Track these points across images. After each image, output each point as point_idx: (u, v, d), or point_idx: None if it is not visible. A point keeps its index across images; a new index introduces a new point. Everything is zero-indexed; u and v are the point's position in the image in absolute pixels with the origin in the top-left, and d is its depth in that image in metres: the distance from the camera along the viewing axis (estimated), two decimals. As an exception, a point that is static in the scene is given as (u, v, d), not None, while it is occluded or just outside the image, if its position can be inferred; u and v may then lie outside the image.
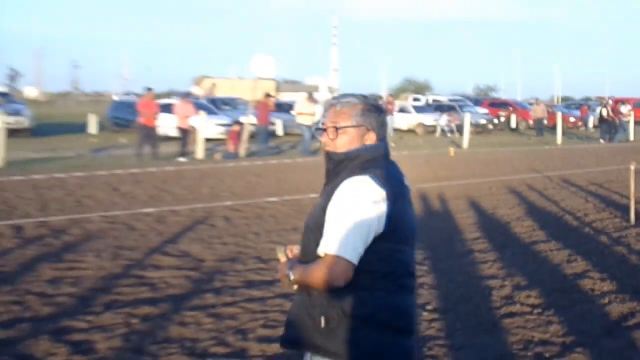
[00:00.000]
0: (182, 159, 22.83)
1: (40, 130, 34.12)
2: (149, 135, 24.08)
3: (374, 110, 3.08)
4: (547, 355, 6.06)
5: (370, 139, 3.02)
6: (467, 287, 8.30)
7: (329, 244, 2.76)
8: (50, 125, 37.95)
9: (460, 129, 35.28)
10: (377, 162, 2.97)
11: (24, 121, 32.36)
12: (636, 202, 12.87)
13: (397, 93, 61.71)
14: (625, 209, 13.17)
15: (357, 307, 2.83)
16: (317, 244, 2.84)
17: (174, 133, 25.77)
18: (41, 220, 11.95)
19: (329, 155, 3.03)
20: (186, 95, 31.09)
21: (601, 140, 36.89)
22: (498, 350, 6.28)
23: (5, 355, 5.90)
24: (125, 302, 7.46)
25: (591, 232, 11.66)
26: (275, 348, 5.88)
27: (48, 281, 8.18)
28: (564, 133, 36.76)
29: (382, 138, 3.08)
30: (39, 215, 12.45)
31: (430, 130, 40.37)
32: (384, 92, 65.13)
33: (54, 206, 13.60)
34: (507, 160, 24.92)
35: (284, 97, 42.03)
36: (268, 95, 28.83)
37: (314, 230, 2.92)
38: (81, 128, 36.10)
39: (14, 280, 8.23)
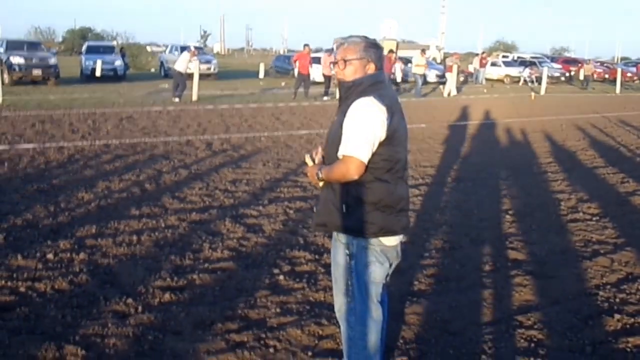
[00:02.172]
0: (325, 98, 22.89)
1: (223, 75, 35.10)
2: (303, 79, 24.30)
3: (373, 46, 3.11)
4: (602, 251, 5.89)
5: (371, 68, 3.06)
6: (542, 198, 8.13)
7: (346, 148, 2.89)
8: (231, 72, 38.90)
9: (539, 80, 33.89)
10: (377, 87, 3.03)
11: (212, 68, 33.15)
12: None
13: (490, 51, 59.64)
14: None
15: (369, 195, 2.99)
16: (337, 150, 2.95)
17: (320, 78, 25.71)
18: (224, 137, 12.33)
19: (341, 83, 3.10)
20: (329, 50, 31.02)
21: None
22: (564, 246, 6.14)
23: (201, 232, 6.17)
24: (284, 198, 7.65)
25: (643, 160, 11.09)
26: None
27: (230, 181, 8.48)
28: (621, 85, 34.87)
29: (380, 68, 3.11)
30: (222, 134, 12.84)
31: (516, 80, 39.02)
32: (479, 50, 63.09)
33: (233, 128, 13.97)
34: (576, 105, 23.86)
35: (403, 53, 41.13)
36: (391, 51, 28.50)
37: (335, 140, 3.01)
38: (253, 75, 37.11)
39: (207, 179, 8.57)
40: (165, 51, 37.27)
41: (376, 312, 3.14)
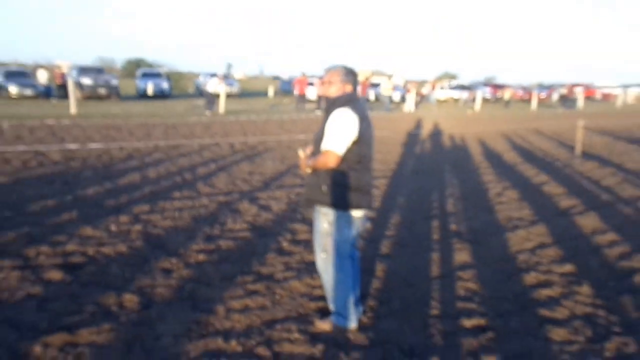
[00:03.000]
0: (318, 112, 22.82)
1: (243, 95, 34.84)
2: (301, 99, 24.33)
3: (350, 73, 3.25)
4: (520, 225, 5.87)
5: (348, 89, 3.22)
6: (476, 186, 8.11)
7: (327, 144, 3.10)
8: (248, 92, 38.59)
9: (475, 100, 33.87)
10: (352, 102, 3.17)
11: (234, 89, 32.96)
12: (580, 144, 12.16)
13: (438, 79, 59.81)
14: (571, 148, 12.43)
15: (343, 179, 3.16)
16: (321, 146, 3.15)
17: (314, 97, 25.74)
18: (243, 140, 12.25)
19: (326, 98, 3.24)
20: (322, 77, 31.06)
21: (562, 109, 34.97)
22: (493, 221, 6.11)
23: (226, 210, 6.15)
24: (287, 186, 7.61)
25: (551, 160, 11.07)
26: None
27: (247, 173, 8.43)
28: (537, 104, 34.92)
29: (355, 88, 3.26)
30: (241, 138, 12.77)
31: (456, 100, 39.04)
32: (431, 78, 63.05)
33: (250, 133, 13.89)
34: (502, 119, 23.85)
35: (375, 80, 41.21)
36: (366, 79, 28.60)
37: (320, 139, 3.17)
38: (264, 94, 36.76)
39: (229, 171, 8.53)
40: (199, 77, 36.94)
41: (347, 264, 3.30)
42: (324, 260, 3.34)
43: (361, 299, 3.67)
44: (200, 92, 31.63)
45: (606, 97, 46.68)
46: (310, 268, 4.30)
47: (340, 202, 3.19)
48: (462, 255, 4.86)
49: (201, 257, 4.55)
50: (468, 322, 3.51)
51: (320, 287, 3.84)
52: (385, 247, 5.06)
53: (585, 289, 4.07)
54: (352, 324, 3.36)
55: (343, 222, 3.23)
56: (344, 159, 3.12)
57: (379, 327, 3.42)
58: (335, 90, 3.22)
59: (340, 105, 3.13)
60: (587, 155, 11.57)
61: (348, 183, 3.16)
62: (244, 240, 5.05)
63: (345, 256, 3.29)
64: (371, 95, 33.22)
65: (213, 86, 21.43)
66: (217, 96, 21.25)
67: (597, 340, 3.29)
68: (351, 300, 3.33)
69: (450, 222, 6.03)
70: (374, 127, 3.31)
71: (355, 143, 3.11)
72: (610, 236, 5.49)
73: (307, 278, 4.12)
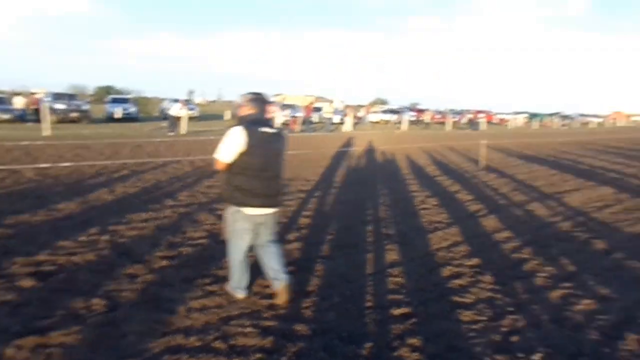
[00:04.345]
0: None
1: (202, 117, 34.11)
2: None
3: (257, 99, 3.42)
4: (439, 228, 6.05)
5: (252, 111, 3.39)
6: (403, 195, 8.29)
7: (215, 152, 3.34)
8: (207, 115, 37.85)
9: (401, 121, 34.81)
10: (253, 121, 3.34)
11: (195, 113, 32.16)
12: (482, 159, 12.72)
13: (372, 104, 61.21)
14: (477, 162, 13.01)
15: (234, 181, 3.37)
16: None
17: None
18: (203, 158, 11.94)
19: (237, 117, 3.45)
20: (272, 102, 30.96)
21: (470, 129, 36.60)
22: (417, 225, 6.26)
23: (187, 220, 5.96)
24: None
25: (462, 172, 11.53)
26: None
27: (206, 187, 8.22)
28: (452, 126, 36.35)
29: (260, 111, 3.41)
30: (201, 155, 12.47)
31: (386, 121, 39.94)
32: (365, 103, 64.39)
33: (208, 151, 13.54)
34: (423, 138, 24.63)
35: (318, 104, 41.59)
36: (310, 103, 28.78)
37: None
38: (221, 117, 36.14)
39: (191, 185, 8.28)
40: (164, 102, 35.86)
41: (240, 250, 3.55)
42: (228, 246, 3.61)
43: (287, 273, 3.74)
44: (164, 116, 30.66)
45: (502, 122, 49.29)
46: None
47: (232, 200, 3.41)
48: (392, 254, 4.94)
49: (164, 262, 4.39)
50: (396, 311, 3.57)
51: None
52: (325, 249, 5.07)
53: (487, 278, 4.25)
54: (239, 295, 3.66)
55: (236, 217, 3.43)
56: (234, 165, 3.32)
57: (321, 320, 3.41)
58: (243, 111, 3.41)
59: (239, 124, 3.30)
60: (489, 168, 12.14)
61: (236, 185, 3.35)
62: (203, 247, 4.92)
63: (239, 245, 3.52)
64: (315, 117, 33.45)
65: (176, 110, 20.88)
66: (179, 119, 20.71)
67: (496, 319, 3.44)
68: (243, 278, 3.64)
69: (382, 226, 6.13)
70: (282, 143, 3.48)
71: (243, 154, 3.27)
72: (506, 233, 5.78)
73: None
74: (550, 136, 29.20)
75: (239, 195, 3.37)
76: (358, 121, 36.27)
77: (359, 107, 50.79)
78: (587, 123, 55.83)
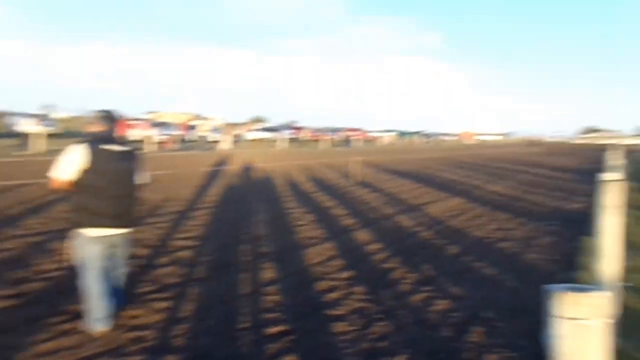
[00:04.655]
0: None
1: (66, 134, 30.47)
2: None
3: (105, 116, 3.37)
4: (315, 243, 6.21)
5: (98, 128, 3.34)
6: (280, 213, 8.39)
7: (51, 170, 3.23)
8: (71, 132, 34.03)
9: (280, 140, 35.38)
10: (99, 139, 3.28)
11: (53, 129, 28.17)
12: (355, 175, 13.53)
13: (250, 122, 61.42)
14: (350, 177, 13.76)
15: (80, 201, 3.24)
16: None
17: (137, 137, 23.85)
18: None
19: (85, 134, 3.42)
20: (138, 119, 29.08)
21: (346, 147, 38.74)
22: (294, 241, 6.36)
23: (37, 250, 5.24)
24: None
25: (337, 188, 12.09)
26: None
27: (63, 212, 7.37)
28: (329, 143, 38.04)
29: (108, 129, 3.35)
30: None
31: (265, 140, 40.22)
32: (244, 121, 64.17)
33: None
34: (301, 155, 25.35)
35: (194, 122, 40.37)
36: (188, 121, 27.78)
37: None
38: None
39: (44, 211, 7.33)
40: (10, 117, 31.33)
41: (91, 276, 3.29)
42: (79, 271, 3.36)
43: (119, 304, 3.56)
44: (10, 132, 26.84)
45: (374, 139, 53.21)
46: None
47: (79, 221, 3.26)
48: (268, 272, 4.94)
49: (6, 303, 3.79)
50: (273, 329, 3.56)
51: (134, 317, 3.52)
52: (201, 271, 4.88)
53: (359, 289, 4.49)
54: (98, 329, 3.32)
55: (84, 239, 3.26)
56: (78, 184, 3.19)
57: (194, 346, 3.26)
58: (91, 128, 3.36)
59: (83, 141, 3.23)
60: (361, 183, 12.94)
61: (82, 205, 3.22)
62: (56, 280, 4.37)
63: (91, 269, 3.28)
64: (192, 135, 32.43)
65: (26, 126, 18.45)
66: (29, 136, 18.32)
67: (366, 327, 3.65)
68: (100, 309, 3.31)
69: (258, 244, 6.11)
70: (133, 161, 3.41)
71: (86, 172, 3.16)
72: (377, 245, 6.19)
73: (120, 311, 3.73)
74: (414, 153, 32.29)
75: (85, 216, 3.22)
76: (236, 139, 36.00)
77: (237, 125, 50.52)
78: (444, 141, 63.07)
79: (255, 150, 27.75)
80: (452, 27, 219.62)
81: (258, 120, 73.79)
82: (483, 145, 61.74)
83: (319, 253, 5.74)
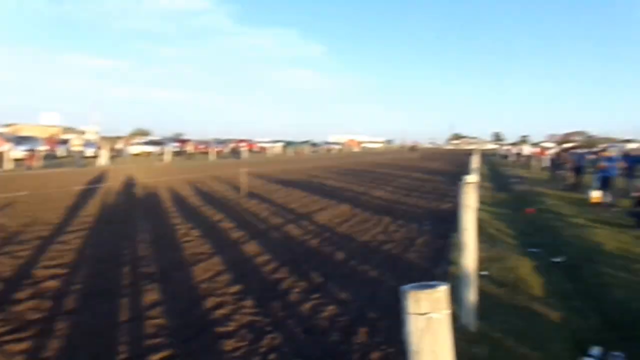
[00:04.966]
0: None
1: None
2: None
3: None
4: (203, 259, 6.00)
5: None
6: (166, 230, 7.95)
7: None
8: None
9: (165, 153, 33.64)
10: None
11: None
12: (244, 187, 13.42)
13: (132, 135, 57.34)
14: (239, 189, 13.59)
15: None
16: None
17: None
18: None
19: None
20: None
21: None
22: (180, 258, 6.07)
23: None
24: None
25: (226, 201, 11.85)
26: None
27: None
28: (215, 156, 37.21)
29: None
30: None
31: (148, 153, 37.95)
32: (125, 134, 59.80)
33: None
34: (188, 168, 24.42)
35: (65, 136, 36.44)
36: (54, 134, 25.00)
37: None
38: None
39: None
40: None
41: None
42: None
43: None
44: None
45: (262, 150, 53.36)
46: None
47: None
48: (151, 294, 4.64)
49: None
50: (155, 357, 3.34)
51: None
52: (71, 302, 4.40)
53: (249, 303, 4.43)
54: None
55: None
56: None
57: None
58: None
59: None
60: (250, 194, 12.86)
61: None
62: None
63: None
64: (62, 151, 29.25)
65: None
66: None
67: (256, 342, 3.61)
68: None
69: (141, 265, 5.71)
70: None
71: None
72: (266, 257, 6.18)
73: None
74: (302, 162, 33.02)
75: None
76: (116, 154, 33.39)
77: (117, 138, 46.90)
78: (330, 150, 65.54)
79: (137, 165, 25.99)
80: (334, 38, 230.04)
81: (140, 133, 69.33)
82: (367, 152, 65.56)
83: (206, 269, 5.55)
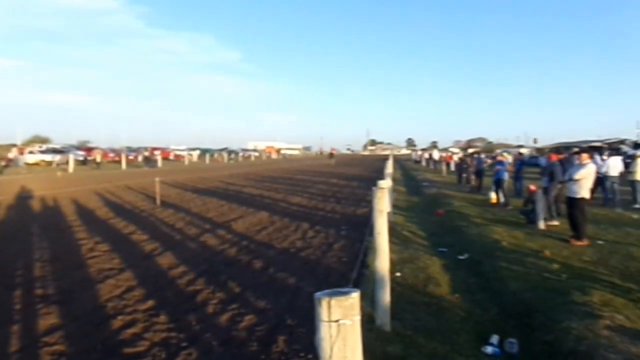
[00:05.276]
0: None
1: None
2: None
3: None
4: (111, 275, 5.62)
5: None
6: (67, 246, 7.31)
7: None
8: None
9: (67, 162, 30.90)
10: None
11: None
12: (159, 196, 12.82)
13: (27, 143, 51.94)
14: (154, 199, 12.94)
15: None
16: None
17: None
18: None
19: None
20: None
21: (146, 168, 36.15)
22: (85, 276, 5.62)
23: None
24: None
25: (139, 211, 11.21)
26: None
27: None
28: (127, 164, 35.06)
29: None
30: None
31: (49, 163, 34.63)
32: (19, 142, 54.03)
33: None
34: (95, 179, 22.71)
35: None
36: None
37: None
38: None
39: None
40: None
41: None
42: None
43: None
44: None
45: (178, 157, 51.30)
46: None
47: None
48: (49, 318, 4.23)
49: None
50: (54, 386, 3.04)
51: None
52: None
53: (162, 318, 4.21)
54: None
55: None
56: None
57: None
58: None
59: None
60: (165, 204, 12.29)
61: None
62: None
63: None
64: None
65: None
66: None
67: (170, 359, 3.44)
68: None
69: (37, 286, 5.19)
70: None
71: None
72: (182, 268, 5.94)
73: None
74: (220, 170, 32.26)
75: None
76: (8, 164, 30.09)
77: (10, 146, 42.38)
78: (248, 157, 64.79)
79: (34, 176, 23.67)
80: (251, 45, 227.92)
81: (38, 140, 63.17)
82: (286, 159, 65.79)
83: (115, 285, 5.20)
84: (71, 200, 13.25)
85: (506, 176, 12.17)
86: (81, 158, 38.07)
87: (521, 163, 14.89)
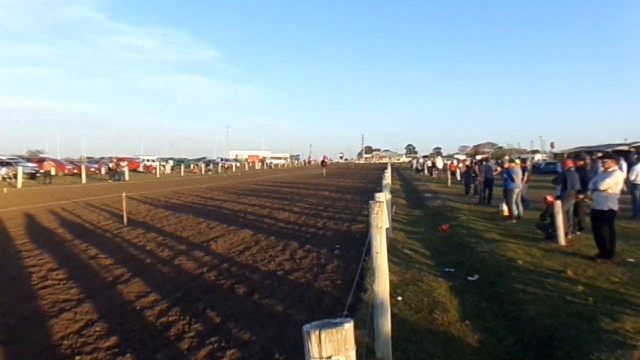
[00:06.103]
0: None
1: None
2: None
3: None
4: (67, 308, 5.51)
5: None
6: (15, 274, 7.15)
7: None
8: None
9: (16, 177, 30.46)
10: None
11: None
12: (127, 214, 12.68)
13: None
14: (121, 218, 12.80)
15: None
16: None
17: None
18: None
19: None
20: None
21: (110, 180, 35.80)
22: (35, 310, 5.48)
23: None
24: None
25: (102, 232, 11.05)
26: None
27: None
28: (87, 177, 34.70)
29: None
30: None
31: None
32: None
33: None
34: (50, 194, 22.43)
35: None
36: None
37: None
38: None
39: None
40: None
41: None
42: None
43: None
44: None
45: (148, 169, 51.03)
46: None
47: None
48: (-6, 359, 4.10)
49: None
50: None
51: None
52: None
53: (129, 357, 4.11)
54: None
55: None
56: None
57: None
58: None
59: None
60: (134, 223, 12.15)
61: None
62: None
63: None
64: None
65: None
66: None
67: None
68: None
69: (-20, 322, 5.05)
70: None
71: None
72: (153, 297, 5.83)
73: None
74: (197, 182, 32.10)
75: None
76: None
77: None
78: (229, 167, 64.65)
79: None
80: (232, 43, 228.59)
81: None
82: (272, 169, 65.75)
83: (72, 320, 5.08)
84: (20, 221, 13.05)
85: (513, 186, 12.18)
86: (33, 171, 37.55)
87: (523, 171, 14.90)
